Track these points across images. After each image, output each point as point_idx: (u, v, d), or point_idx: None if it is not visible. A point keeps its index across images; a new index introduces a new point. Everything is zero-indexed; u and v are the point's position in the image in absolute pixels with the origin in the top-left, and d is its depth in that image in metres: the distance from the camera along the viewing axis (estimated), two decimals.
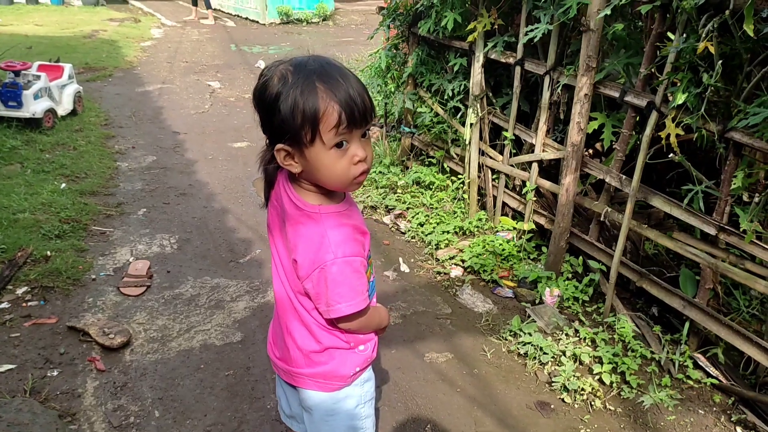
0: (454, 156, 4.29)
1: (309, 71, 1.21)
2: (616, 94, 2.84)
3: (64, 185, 4.34)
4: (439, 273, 3.50)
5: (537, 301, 3.15)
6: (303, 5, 14.63)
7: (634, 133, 2.90)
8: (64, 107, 5.90)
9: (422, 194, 4.34)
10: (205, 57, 10.17)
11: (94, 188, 4.39)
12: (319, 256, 1.28)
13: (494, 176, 3.92)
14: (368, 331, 1.48)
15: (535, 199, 3.51)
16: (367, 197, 4.41)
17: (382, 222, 4.17)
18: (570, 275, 3.25)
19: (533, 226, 3.52)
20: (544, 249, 3.48)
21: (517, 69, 3.53)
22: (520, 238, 3.59)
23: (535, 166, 3.46)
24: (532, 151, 3.53)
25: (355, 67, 8.46)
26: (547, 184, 3.41)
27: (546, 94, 3.32)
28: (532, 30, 3.12)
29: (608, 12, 2.62)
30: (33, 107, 5.35)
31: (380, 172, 4.68)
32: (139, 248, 3.63)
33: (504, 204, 3.84)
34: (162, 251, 3.63)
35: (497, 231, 3.79)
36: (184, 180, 4.77)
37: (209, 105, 7.07)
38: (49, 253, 3.38)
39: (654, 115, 2.62)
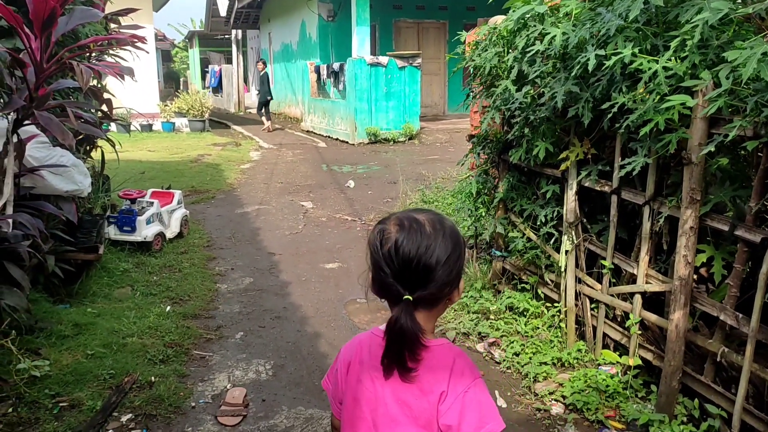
0: (549, 282, 4.20)
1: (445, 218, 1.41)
2: (725, 228, 2.74)
3: (169, 308, 4.57)
4: (538, 410, 3.33)
5: None
6: (390, 126, 15.37)
7: (747, 267, 2.75)
8: (172, 230, 6.34)
9: (516, 321, 4.24)
10: (299, 177, 10.74)
11: (196, 311, 4.59)
12: (462, 381, 1.34)
13: (593, 305, 3.78)
14: None
15: (639, 332, 3.34)
16: (459, 323, 4.35)
17: (476, 350, 4.07)
18: (685, 418, 3.00)
19: (639, 362, 3.32)
20: (653, 387, 3.26)
21: (614, 198, 3.50)
22: (626, 373, 3.39)
23: (638, 297, 3.32)
24: (633, 281, 3.41)
25: (441, 186, 8.66)
26: (653, 317, 3.24)
27: (646, 225, 3.24)
28: (629, 163, 3.10)
29: (712, 149, 2.59)
30: (145, 232, 5.78)
31: (471, 296, 4.63)
32: (236, 374, 3.70)
33: (605, 335, 3.67)
34: (258, 378, 3.67)
35: (599, 364, 3.61)
36: (279, 302, 4.90)
37: (302, 225, 7.38)
38: (153, 378, 3.50)
39: None
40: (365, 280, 1.39)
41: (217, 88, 28.10)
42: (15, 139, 3.47)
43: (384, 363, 1.35)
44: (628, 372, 3.36)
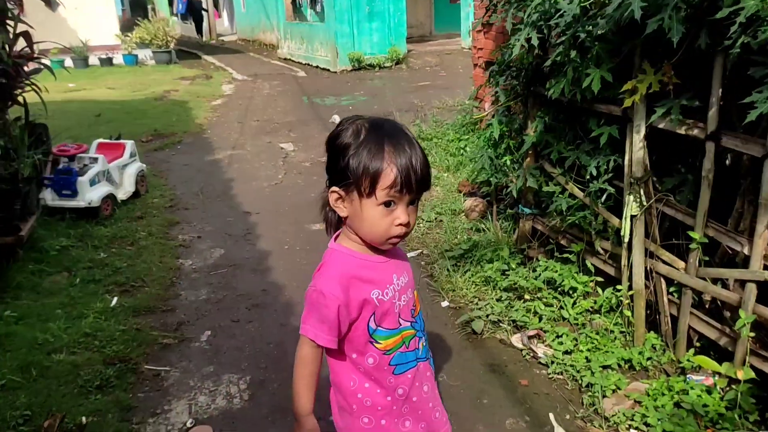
0: (601, 251, 3.26)
1: (382, 133, 1.43)
2: None
3: (115, 300, 3.59)
4: None
5: None
6: (374, 50, 14.05)
7: None
8: (125, 190, 5.28)
9: (559, 301, 3.32)
10: (277, 113, 9.59)
11: (150, 302, 3.62)
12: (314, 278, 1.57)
13: (672, 288, 2.86)
14: (297, 376, 1.55)
15: (752, 334, 2.42)
16: (487, 305, 3.42)
17: (511, 345, 3.15)
18: None
19: (752, 374, 2.42)
20: None
21: (710, 146, 2.51)
22: (730, 387, 2.50)
23: (752, 286, 2.39)
24: (731, 260, 2.48)
25: (439, 119, 7.56)
26: None
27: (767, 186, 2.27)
28: (762, 101, 2.08)
29: None
30: (89, 195, 4.72)
31: (497, 269, 3.67)
32: (200, 401, 2.77)
33: (689, 328, 2.76)
34: (229, 405, 2.74)
35: (682, 367, 2.72)
36: (257, 282, 3.94)
37: (283, 174, 6.33)
38: (84, 419, 2.56)
39: None
40: None
41: (186, 15, 26.09)
42: None
43: None
44: (734, 387, 2.47)
